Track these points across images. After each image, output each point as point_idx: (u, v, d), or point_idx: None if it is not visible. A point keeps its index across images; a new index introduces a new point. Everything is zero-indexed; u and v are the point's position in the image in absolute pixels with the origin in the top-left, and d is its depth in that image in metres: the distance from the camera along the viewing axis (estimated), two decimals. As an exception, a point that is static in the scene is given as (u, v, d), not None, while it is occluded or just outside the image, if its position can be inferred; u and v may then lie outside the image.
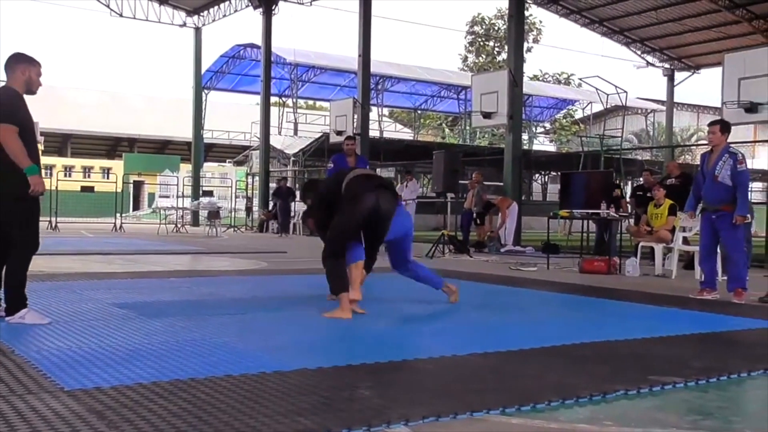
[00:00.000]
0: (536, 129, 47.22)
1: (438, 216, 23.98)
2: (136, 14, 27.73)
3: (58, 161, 40.70)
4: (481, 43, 54.24)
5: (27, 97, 5.07)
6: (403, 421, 2.80)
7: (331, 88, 38.14)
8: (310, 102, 49.41)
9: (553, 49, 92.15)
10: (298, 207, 20.73)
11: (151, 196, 40.09)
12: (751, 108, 12.11)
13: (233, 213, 28.57)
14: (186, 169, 35.25)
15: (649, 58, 32.16)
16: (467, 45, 54.85)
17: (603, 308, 6.79)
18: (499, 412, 3.00)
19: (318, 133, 31.28)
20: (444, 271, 10.02)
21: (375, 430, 2.71)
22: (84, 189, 34.61)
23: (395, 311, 6.03)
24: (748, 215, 7.41)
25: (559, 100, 45.14)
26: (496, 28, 52.59)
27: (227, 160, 46.68)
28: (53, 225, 21.45)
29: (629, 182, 30.11)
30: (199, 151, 30.62)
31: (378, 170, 30.05)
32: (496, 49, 53.19)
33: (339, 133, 20.11)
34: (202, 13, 28.52)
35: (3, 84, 5.03)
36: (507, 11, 18.80)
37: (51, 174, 28.69)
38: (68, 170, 39.04)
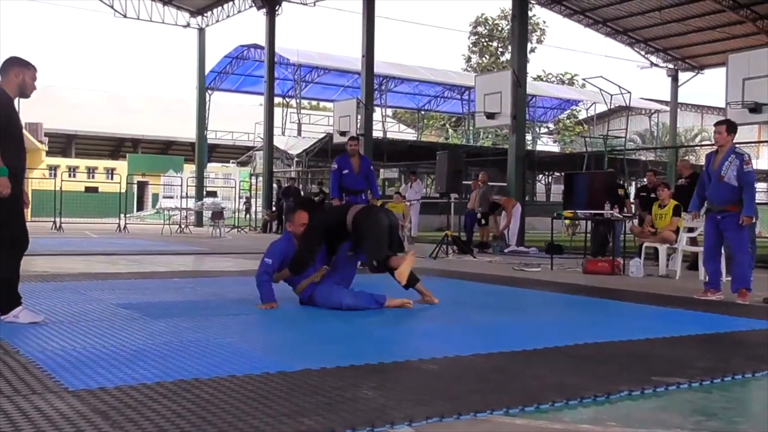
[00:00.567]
0: (540, 129, 47.16)
1: (441, 216, 23.94)
2: (140, 15, 27.79)
3: (63, 162, 40.79)
4: (485, 44, 54.21)
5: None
6: (407, 422, 2.80)
7: (334, 88, 38.15)
8: (314, 102, 49.44)
9: (556, 49, 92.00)
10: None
11: (155, 197, 40.12)
12: (756, 108, 12.10)
13: (237, 213, 28.61)
14: (190, 169, 35.30)
15: (653, 59, 32.13)
16: (471, 45, 54.86)
17: (607, 309, 6.79)
18: (503, 413, 3.00)
19: (321, 133, 31.30)
20: (447, 271, 10.04)
21: (378, 430, 2.71)
22: (88, 189, 34.64)
23: (398, 312, 6.02)
24: (754, 216, 7.39)
25: (562, 100, 45.08)
26: (499, 28, 52.57)
27: (231, 161, 46.72)
28: (57, 225, 21.49)
29: (633, 183, 30.08)
30: (203, 151, 30.66)
31: (381, 171, 30.11)
32: (500, 49, 53.18)
33: (342, 133, 20.12)
34: (205, 14, 28.56)
35: None
36: (510, 12, 18.82)
37: (55, 174, 28.75)
38: (72, 171, 39.11)
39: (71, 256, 11.50)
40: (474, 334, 5.09)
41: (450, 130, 50.64)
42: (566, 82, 53.32)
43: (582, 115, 50.13)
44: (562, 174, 22.58)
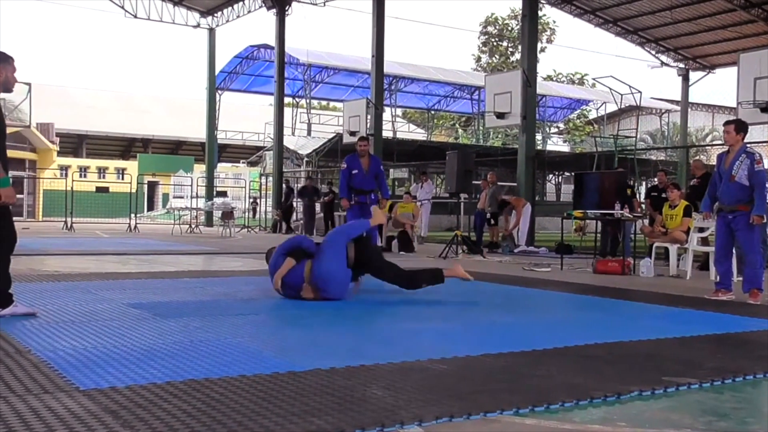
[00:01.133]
0: (550, 129, 47.06)
1: (451, 216, 23.97)
2: (150, 15, 27.89)
3: (74, 162, 40.99)
4: (495, 44, 54.13)
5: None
6: (417, 422, 2.80)
7: (344, 88, 38.18)
8: (324, 102, 49.47)
9: (566, 49, 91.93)
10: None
11: (165, 197, 40.25)
12: (767, 108, 12.03)
13: (247, 213, 28.67)
14: (200, 169, 35.40)
15: (664, 58, 31.99)
16: (480, 45, 54.78)
17: (617, 309, 6.76)
18: (513, 413, 2.99)
19: (331, 133, 31.33)
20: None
21: (388, 430, 2.71)
22: (99, 190, 34.83)
23: (408, 312, 6.03)
24: (765, 216, 7.35)
25: (572, 100, 44.96)
26: (509, 28, 52.49)
27: (241, 161, 46.83)
28: (68, 225, 21.60)
29: (644, 183, 29.99)
30: (213, 151, 30.73)
31: (391, 171, 30.13)
32: (510, 49, 53.09)
33: (352, 133, 20.14)
34: (215, 14, 28.63)
35: None
36: (520, 11, 18.78)
37: (66, 175, 28.88)
38: (83, 171, 39.31)
39: (82, 256, 11.55)
40: (483, 334, 5.09)
41: (460, 130, 50.60)
42: (576, 81, 53.18)
43: (592, 115, 50.00)
44: (572, 174, 22.53)
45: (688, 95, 33.61)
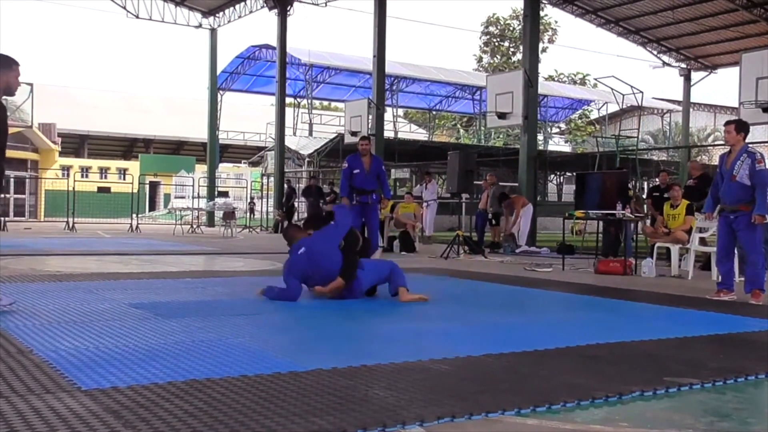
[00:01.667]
0: (551, 129, 47.06)
1: (452, 217, 23.94)
2: (152, 15, 27.92)
3: (75, 162, 41.04)
4: (496, 44, 54.15)
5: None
6: (418, 422, 2.80)
7: (346, 88, 38.19)
8: (325, 103, 49.51)
9: (568, 49, 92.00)
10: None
11: (167, 197, 40.28)
12: (769, 108, 12.03)
13: (248, 213, 28.69)
14: (201, 169, 35.43)
15: (666, 58, 31.96)
16: (482, 45, 54.81)
17: (618, 309, 6.76)
18: (515, 413, 2.99)
19: (333, 133, 31.33)
20: (458, 272, 10.04)
21: (390, 430, 2.71)
22: (101, 190, 34.84)
23: (409, 311, 6.03)
24: (767, 215, 7.34)
25: (574, 100, 44.97)
26: (511, 28, 52.49)
27: (242, 161, 46.84)
28: (70, 225, 21.62)
29: (645, 183, 29.97)
30: (215, 151, 30.75)
31: (392, 171, 30.13)
32: (511, 49, 53.10)
33: (354, 133, 20.14)
34: (217, 14, 28.66)
35: None
36: (522, 11, 18.78)
37: (68, 175, 28.92)
38: (85, 171, 39.34)
39: (84, 256, 11.55)
40: (485, 335, 5.08)
41: (461, 130, 50.62)
42: (578, 81, 53.19)
43: (594, 115, 49.99)
44: (574, 174, 22.52)
45: (690, 95, 33.56)
